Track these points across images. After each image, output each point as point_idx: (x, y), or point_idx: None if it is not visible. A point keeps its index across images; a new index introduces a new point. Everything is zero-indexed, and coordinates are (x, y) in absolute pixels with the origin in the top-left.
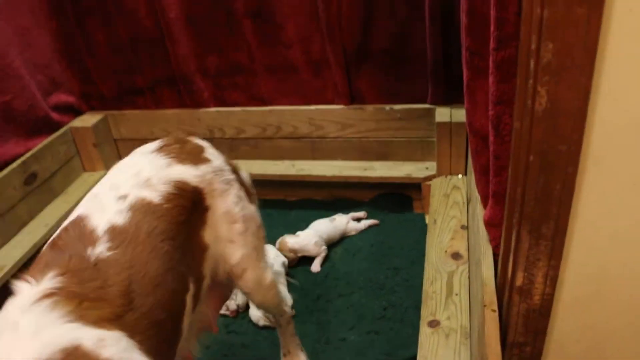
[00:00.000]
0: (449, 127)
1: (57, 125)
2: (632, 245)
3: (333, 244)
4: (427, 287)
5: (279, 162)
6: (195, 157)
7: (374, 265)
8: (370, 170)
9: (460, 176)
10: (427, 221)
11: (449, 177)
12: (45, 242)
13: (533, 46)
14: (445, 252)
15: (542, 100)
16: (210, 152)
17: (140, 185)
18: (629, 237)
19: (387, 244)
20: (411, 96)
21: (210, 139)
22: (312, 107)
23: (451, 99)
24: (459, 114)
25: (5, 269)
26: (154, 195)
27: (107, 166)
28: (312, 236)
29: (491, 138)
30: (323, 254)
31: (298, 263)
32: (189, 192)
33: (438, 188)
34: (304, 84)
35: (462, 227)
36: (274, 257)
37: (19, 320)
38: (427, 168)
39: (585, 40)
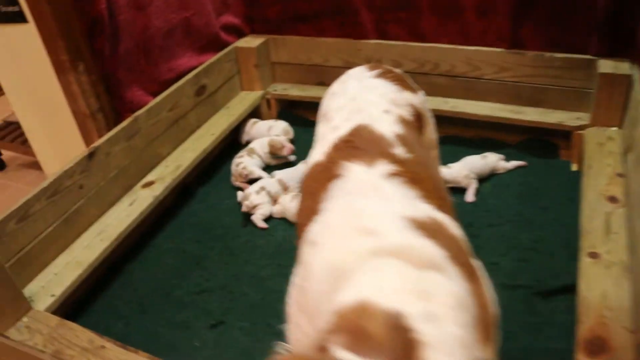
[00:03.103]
0: (613, 78)
1: (224, 44)
2: None
3: (482, 179)
4: (585, 223)
5: (431, 98)
6: (407, 85)
7: (523, 202)
8: (522, 114)
9: (615, 128)
10: (573, 168)
11: (602, 128)
12: (213, 148)
13: None
14: (602, 194)
15: None
16: (411, 82)
17: (392, 104)
18: None
19: (535, 185)
20: (572, 46)
21: None
22: (472, 48)
23: (615, 52)
24: (623, 67)
25: (182, 168)
26: (406, 114)
27: (264, 87)
28: (463, 168)
29: None
30: (473, 186)
31: (452, 192)
32: (417, 115)
33: (592, 137)
34: (467, 25)
35: (618, 174)
36: None
37: (382, 185)
38: (578, 118)
39: None
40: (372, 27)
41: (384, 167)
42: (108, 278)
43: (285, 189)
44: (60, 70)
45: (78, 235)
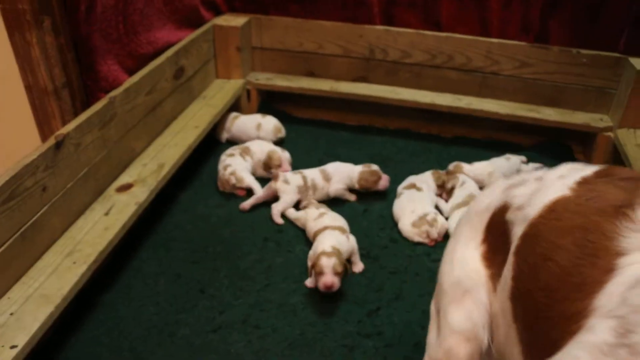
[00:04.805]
0: None
1: (202, 21)
2: None
3: None
4: None
5: (441, 95)
6: None
7: None
8: (542, 114)
9: None
10: None
11: (632, 129)
12: (200, 144)
13: None
14: None
15: None
16: None
17: None
18: None
19: None
20: (601, 42)
21: (369, 59)
22: (494, 40)
23: None
24: None
25: (166, 168)
26: None
27: (242, 74)
28: (487, 166)
29: None
30: None
31: None
32: None
33: (627, 139)
34: (490, 14)
35: None
36: (476, 189)
37: None
38: (601, 119)
39: None
40: (379, 11)
41: None
42: (80, 314)
43: (327, 180)
44: (15, 24)
45: (39, 256)
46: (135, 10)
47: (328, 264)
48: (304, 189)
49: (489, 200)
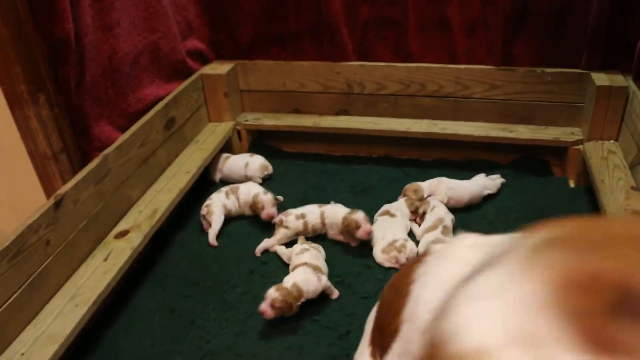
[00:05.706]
0: (609, 91)
1: (190, 72)
2: None
3: (479, 203)
4: None
5: (418, 121)
6: None
7: (533, 223)
8: (515, 133)
9: (611, 141)
10: (571, 185)
11: (600, 142)
12: (190, 188)
13: None
14: (624, 209)
15: None
16: None
17: None
18: None
19: (539, 205)
20: (564, 60)
21: (348, 94)
22: (462, 66)
23: (607, 66)
24: (618, 79)
25: (159, 213)
26: None
27: (233, 117)
28: (435, 181)
29: None
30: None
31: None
32: None
33: (594, 151)
34: (456, 43)
35: (632, 188)
36: (446, 213)
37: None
38: (572, 133)
39: None
40: (353, 48)
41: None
42: (85, 350)
43: (322, 224)
44: (16, 102)
45: (46, 301)
46: (122, 75)
47: (270, 294)
48: (303, 232)
49: (375, 309)
